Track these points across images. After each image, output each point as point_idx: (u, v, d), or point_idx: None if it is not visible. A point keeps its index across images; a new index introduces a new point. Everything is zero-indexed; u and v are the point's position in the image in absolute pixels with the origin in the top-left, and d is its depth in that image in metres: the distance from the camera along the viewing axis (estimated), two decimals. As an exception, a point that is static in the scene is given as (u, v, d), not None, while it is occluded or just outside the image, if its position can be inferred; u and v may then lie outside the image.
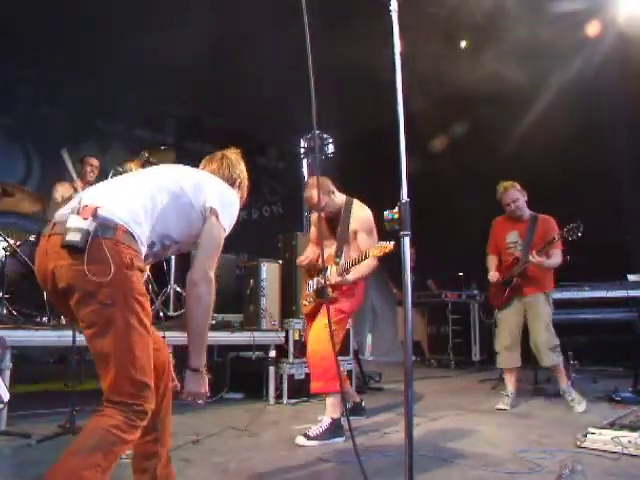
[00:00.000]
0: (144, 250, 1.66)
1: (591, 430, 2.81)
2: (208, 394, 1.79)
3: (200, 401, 1.78)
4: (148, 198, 1.69)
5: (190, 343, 1.74)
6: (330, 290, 3.26)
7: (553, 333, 3.99)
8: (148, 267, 1.96)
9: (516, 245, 4.16)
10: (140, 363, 1.53)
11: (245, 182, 2.13)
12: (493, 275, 4.22)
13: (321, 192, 3.33)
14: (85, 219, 1.53)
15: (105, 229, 1.54)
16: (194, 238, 1.80)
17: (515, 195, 4.10)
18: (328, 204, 3.39)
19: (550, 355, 3.94)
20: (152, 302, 4.73)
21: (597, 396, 4.32)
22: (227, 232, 1.82)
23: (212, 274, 1.72)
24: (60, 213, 1.64)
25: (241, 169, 2.12)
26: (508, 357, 4.14)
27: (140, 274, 1.60)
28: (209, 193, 1.81)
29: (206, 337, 1.76)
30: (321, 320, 3.27)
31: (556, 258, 3.99)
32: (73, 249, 1.51)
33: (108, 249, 1.52)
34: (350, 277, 3.25)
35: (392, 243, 2.90)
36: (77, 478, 1.38)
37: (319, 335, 3.19)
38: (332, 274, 3.26)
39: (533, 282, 4.06)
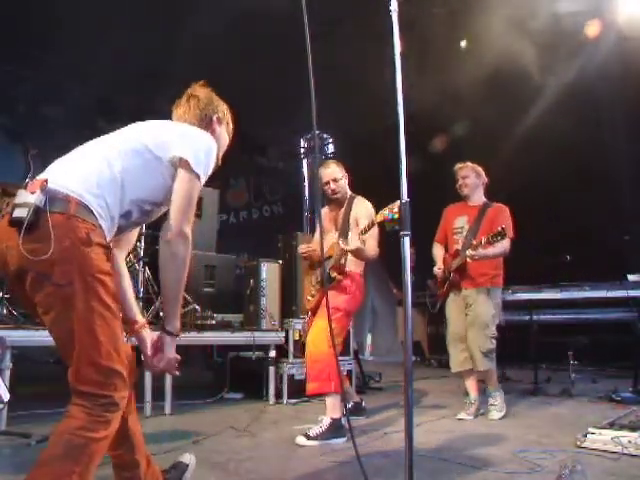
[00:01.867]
0: (106, 224, 1.52)
1: (591, 430, 2.81)
2: (179, 359, 1.69)
3: (175, 372, 1.70)
4: (105, 165, 1.53)
5: (165, 304, 1.65)
6: (335, 273, 3.25)
7: (490, 336, 3.65)
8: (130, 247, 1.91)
9: (462, 231, 3.87)
10: (105, 348, 1.41)
11: (226, 115, 1.93)
12: (438, 267, 3.95)
13: (337, 166, 3.47)
14: (32, 193, 1.40)
15: (55, 202, 1.41)
16: (150, 199, 1.65)
17: (467, 172, 3.93)
18: (340, 182, 3.45)
19: (483, 360, 3.64)
20: (152, 302, 4.73)
21: (597, 396, 4.31)
22: (204, 179, 1.67)
23: (188, 230, 1.60)
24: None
25: (215, 104, 1.90)
26: (457, 358, 3.80)
27: (101, 250, 1.47)
28: (174, 142, 1.64)
29: (181, 298, 1.67)
30: (320, 320, 3.27)
31: (499, 249, 3.60)
32: (20, 226, 1.37)
33: (59, 224, 1.39)
34: (367, 251, 3.19)
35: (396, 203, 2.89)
36: None
37: (316, 336, 3.19)
38: (351, 239, 3.12)
39: (472, 276, 3.74)
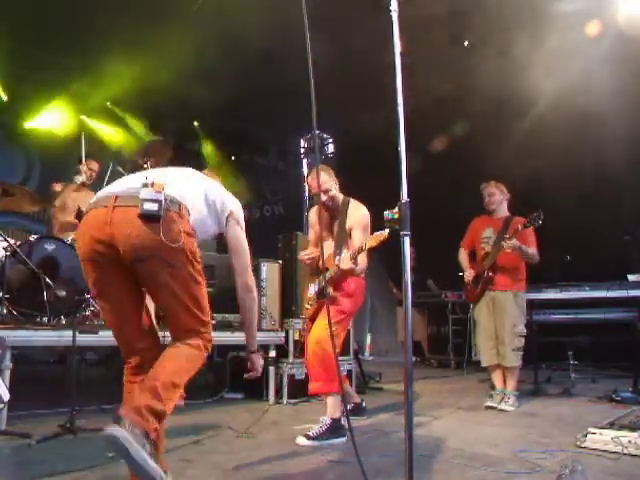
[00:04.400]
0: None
1: (591, 430, 2.81)
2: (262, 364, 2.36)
3: (258, 372, 2.34)
4: (193, 194, 2.01)
5: (248, 333, 2.26)
6: (331, 290, 3.24)
7: (519, 334, 4.09)
8: None
9: (489, 240, 4.32)
10: (203, 306, 1.93)
11: None
12: (469, 274, 4.38)
13: (327, 176, 3.34)
14: (159, 192, 1.79)
15: (173, 203, 1.85)
16: (208, 231, 2.13)
17: (492, 190, 4.39)
18: (331, 192, 3.36)
19: (511, 356, 4.06)
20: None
21: (597, 396, 4.32)
22: None
23: (253, 280, 2.21)
24: (122, 188, 1.88)
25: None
26: (487, 354, 4.23)
27: (196, 241, 1.94)
28: (227, 198, 2.16)
29: (256, 326, 2.30)
30: (322, 320, 3.24)
31: (531, 251, 4.10)
32: (149, 218, 1.76)
33: (176, 220, 1.82)
34: (358, 268, 3.17)
35: (387, 231, 2.88)
36: (179, 376, 1.78)
37: (319, 335, 3.17)
38: (344, 260, 3.09)
39: (503, 277, 4.17)
